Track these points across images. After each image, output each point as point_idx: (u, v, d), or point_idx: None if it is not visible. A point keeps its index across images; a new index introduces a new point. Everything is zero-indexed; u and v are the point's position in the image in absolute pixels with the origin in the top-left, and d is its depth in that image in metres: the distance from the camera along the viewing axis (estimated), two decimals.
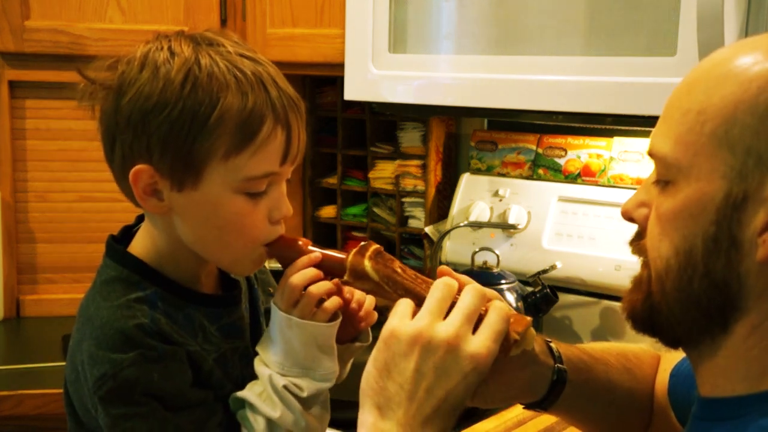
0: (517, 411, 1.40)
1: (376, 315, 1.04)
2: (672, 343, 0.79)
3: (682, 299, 0.74)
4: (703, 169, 0.71)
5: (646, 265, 0.79)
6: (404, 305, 0.83)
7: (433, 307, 0.80)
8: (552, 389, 0.94)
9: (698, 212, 0.71)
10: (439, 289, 0.82)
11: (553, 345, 0.96)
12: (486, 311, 0.82)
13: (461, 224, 1.88)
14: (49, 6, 1.99)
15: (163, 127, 0.89)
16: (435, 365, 0.77)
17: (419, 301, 0.85)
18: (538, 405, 0.96)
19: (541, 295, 1.70)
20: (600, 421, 1.02)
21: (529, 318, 0.85)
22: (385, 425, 0.78)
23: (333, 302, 0.96)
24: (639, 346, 1.07)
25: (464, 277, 0.88)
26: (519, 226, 1.84)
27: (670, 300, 0.75)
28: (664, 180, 0.74)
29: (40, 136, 2.05)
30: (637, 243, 0.80)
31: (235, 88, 0.90)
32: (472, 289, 0.82)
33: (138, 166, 0.91)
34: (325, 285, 0.95)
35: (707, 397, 0.76)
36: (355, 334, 1.05)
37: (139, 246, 0.98)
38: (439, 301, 0.81)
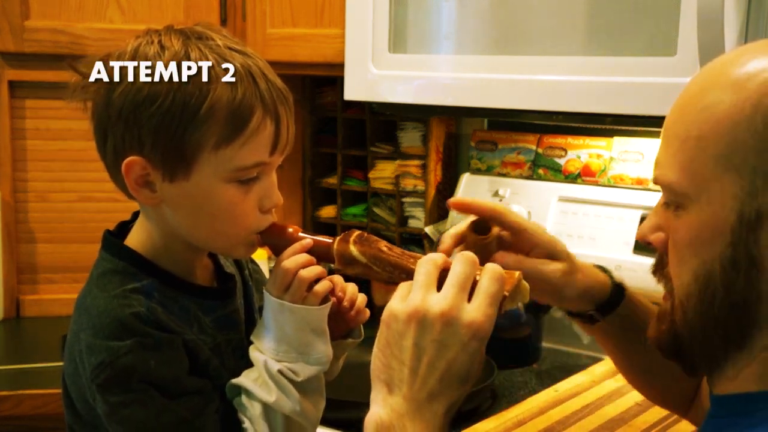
0: (517, 411, 1.41)
1: (368, 312, 1.06)
2: (690, 368, 0.79)
3: (704, 322, 0.74)
4: (713, 193, 0.71)
5: (669, 295, 0.78)
6: (404, 288, 0.83)
7: (422, 280, 0.80)
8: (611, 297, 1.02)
9: (714, 236, 0.71)
10: (425, 262, 0.82)
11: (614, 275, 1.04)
12: (479, 276, 0.82)
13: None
14: (49, 6, 1.99)
15: (154, 118, 0.91)
16: (433, 339, 0.78)
17: (407, 275, 0.86)
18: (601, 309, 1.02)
19: None
20: (642, 368, 1.07)
21: (518, 272, 0.86)
22: (393, 400, 0.79)
23: (323, 285, 0.98)
24: None
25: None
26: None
27: (692, 325, 0.75)
28: (675, 203, 0.74)
29: (40, 136, 2.05)
30: (661, 271, 0.80)
31: (224, 80, 0.92)
32: (462, 256, 0.82)
33: (130, 158, 0.93)
34: (315, 269, 0.97)
35: (720, 395, 0.77)
36: (347, 331, 1.07)
37: (135, 239, 1.00)
38: (427, 274, 0.81)
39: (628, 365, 1.07)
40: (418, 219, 2.12)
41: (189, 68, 0.91)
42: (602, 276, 1.03)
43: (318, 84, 2.26)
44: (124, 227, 1.03)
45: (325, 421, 1.41)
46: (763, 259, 0.70)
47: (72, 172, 2.05)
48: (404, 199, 2.14)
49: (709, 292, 0.72)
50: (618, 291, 1.03)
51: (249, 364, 0.99)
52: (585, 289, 1.01)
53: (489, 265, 0.82)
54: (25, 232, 2.07)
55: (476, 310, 0.79)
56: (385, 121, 2.16)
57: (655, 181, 0.77)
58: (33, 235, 2.08)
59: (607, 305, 1.02)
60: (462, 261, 0.81)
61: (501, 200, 1.90)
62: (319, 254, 0.97)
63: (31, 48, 1.99)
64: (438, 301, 0.79)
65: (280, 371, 0.96)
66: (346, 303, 1.04)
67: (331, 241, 0.97)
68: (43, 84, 2.00)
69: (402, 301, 0.81)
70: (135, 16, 2.01)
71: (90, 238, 1.02)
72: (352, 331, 1.07)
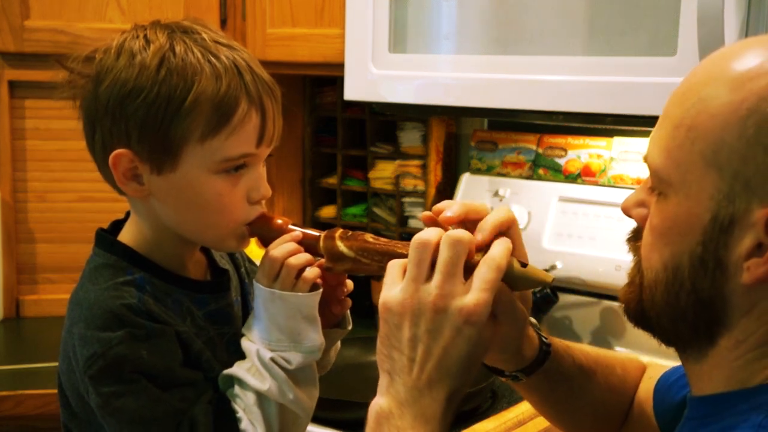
0: (517, 411, 1.41)
1: (349, 301, 1.05)
2: (665, 342, 0.80)
3: (670, 312, 0.75)
4: (692, 188, 0.71)
5: (637, 267, 0.79)
6: (391, 273, 0.83)
7: (412, 272, 0.80)
8: (539, 356, 0.95)
9: (686, 231, 0.72)
10: (413, 251, 0.81)
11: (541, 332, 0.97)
12: (477, 261, 0.81)
13: None
14: (49, 6, 1.99)
15: (140, 111, 0.92)
16: (427, 328, 0.78)
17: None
18: (524, 370, 0.95)
19: (542, 296, 1.70)
20: (569, 411, 1.03)
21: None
22: (394, 389, 0.80)
23: (312, 272, 0.98)
24: (628, 356, 1.09)
25: (452, 203, 0.87)
26: (519, 226, 1.84)
27: (659, 310, 0.76)
28: (658, 189, 0.75)
29: (39, 136, 2.05)
30: (634, 243, 0.81)
31: (209, 73, 0.93)
32: (447, 239, 0.80)
33: (117, 151, 0.94)
34: (303, 256, 0.97)
35: (694, 397, 0.78)
36: (334, 321, 1.06)
37: (127, 234, 1.01)
38: (417, 263, 0.80)
39: (554, 411, 1.05)
40: (418, 219, 2.12)
41: (174, 61, 0.92)
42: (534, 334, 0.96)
43: (318, 84, 2.26)
44: (118, 226, 1.03)
45: (325, 421, 1.42)
46: (729, 264, 0.70)
47: (72, 172, 2.04)
48: (404, 199, 2.14)
49: (677, 284, 0.73)
50: (543, 350, 0.95)
51: (242, 358, 0.99)
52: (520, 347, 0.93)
53: (492, 250, 0.81)
54: (24, 232, 2.07)
55: (468, 296, 0.78)
56: (385, 121, 2.16)
57: (645, 159, 0.77)
58: (32, 235, 2.08)
59: (533, 365, 0.95)
60: (447, 244, 0.80)
61: (501, 200, 1.90)
62: (308, 247, 0.98)
63: (31, 48, 1.99)
64: (428, 291, 0.79)
65: (272, 359, 0.96)
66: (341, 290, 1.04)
67: (318, 234, 0.97)
68: (43, 84, 1.98)
69: (391, 289, 0.81)
70: (135, 16, 2.01)
71: (90, 238, 1.03)
72: (339, 321, 1.07)
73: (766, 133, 0.67)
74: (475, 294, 0.78)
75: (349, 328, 1.08)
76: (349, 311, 1.07)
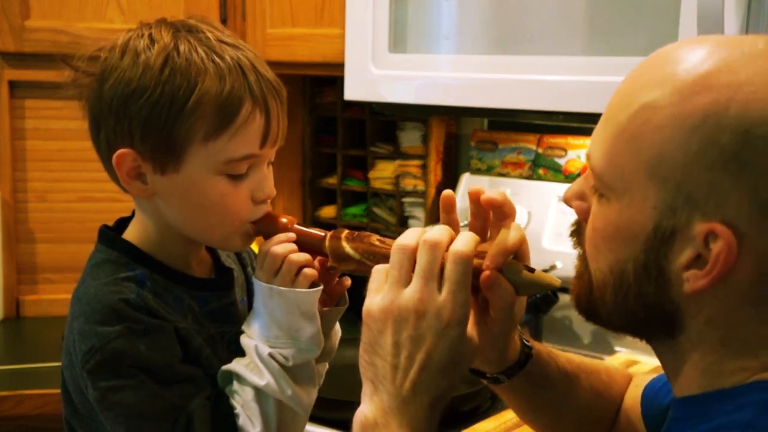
0: None
1: (348, 279, 1.05)
2: (619, 332, 0.80)
3: (620, 312, 0.75)
4: (636, 197, 0.71)
5: (583, 257, 0.79)
6: (376, 278, 0.83)
7: (394, 276, 0.80)
8: (520, 358, 0.95)
9: (629, 239, 0.72)
10: (394, 255, 0.81)
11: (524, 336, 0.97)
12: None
13: (461, 224, 1.88)
14: (49, 6, 1.99)
15: (143, 111, 0.92)
16: (409, 335, 0.78)
17: None
18: (505, 372, 0.95)
19: (541, 296, 1.70)
20: (554, 417, 1.03)
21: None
22: (378, 397, 0.80)
23: (312, 270, 0.98)
24: (613, 365, 1.09)
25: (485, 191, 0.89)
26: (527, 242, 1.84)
27: (609, 309, 0.76)
28: (599, 192, 0.75)
29: (39, 136, 2.05)
30: (578, 237, 0.81)
31: (213, 73, 0.93)
32: (423, 245, 0.80)
33: (121, 150, 0.94)
34: (304, 255, 0.97)
35: (677, 398, 0.77)
36: (332, 303, 1.06)
37: (132, 232, 1.01)
38: (398, 268, 0.80)
39: (538, 418, 1.04)
40: (418, 219, 2.12)
41: (177, 61, 0.92)
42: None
43: (318, 84, 2.26)
44: (124, 223, 1.03)
45: (324, 421, 1.42)
46: (671, 273, 0.70)
47: (72, 172, 2.04)
48: (404, 199, 2.14)
49: (624, 287, 0.73)
50: (524, 352, 0.95)
51: (242, 355, 0.99)
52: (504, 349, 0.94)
53: (453, 247, 0.80)
54: (24, 232, 2.07)
55: (444, 299, 0.78)
56: (385, 121, 2.16)
57: (587, 158, 0.77)
58: (33, 235, 2.08)
59: (514, 367, 0.95)
60: (423, 249, 0.80)
61: None
62: (312, 246, 0.97)
63: (31, 48, 1.99)
64: (408, 297, 0.79)
65: (270, 355, 0.96)
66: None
67: (323, 234, 0.97)
68: (43, 84, 2.00)
69: (374, 296, 0.81)
70: (135, 16, 2.01)
71: (90, 238, 1.03)
72: (338, 301, 1.07)
73: (710, 151, 0.67)
74: (449, 296, 0.78)
75: (347, 305, 1.07)
76: (347, 307, 1.07)
